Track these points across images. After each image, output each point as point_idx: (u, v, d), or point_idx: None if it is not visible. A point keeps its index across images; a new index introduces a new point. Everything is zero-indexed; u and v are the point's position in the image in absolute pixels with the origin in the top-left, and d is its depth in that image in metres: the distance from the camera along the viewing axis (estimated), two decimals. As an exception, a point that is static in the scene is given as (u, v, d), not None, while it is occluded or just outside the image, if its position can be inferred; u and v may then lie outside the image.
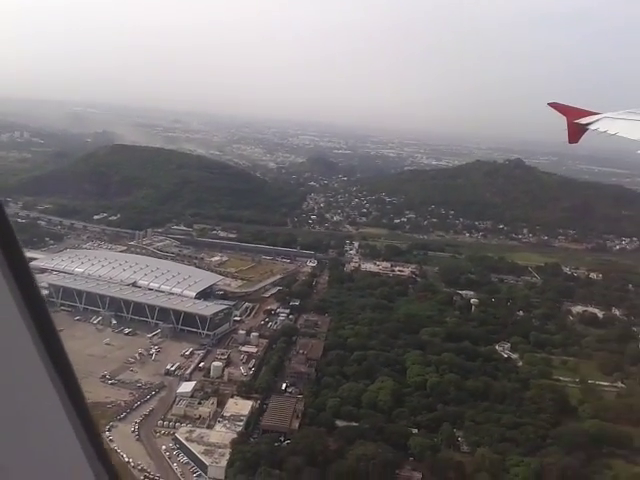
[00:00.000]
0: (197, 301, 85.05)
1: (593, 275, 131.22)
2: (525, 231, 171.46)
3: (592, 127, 17.45)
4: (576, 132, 18.58)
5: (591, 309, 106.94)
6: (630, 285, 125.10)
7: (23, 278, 2.27)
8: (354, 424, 58.83)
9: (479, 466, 53.60)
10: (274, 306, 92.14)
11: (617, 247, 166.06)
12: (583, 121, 18.13)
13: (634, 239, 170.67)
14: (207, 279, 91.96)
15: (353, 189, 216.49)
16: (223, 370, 70.53)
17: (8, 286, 2.19)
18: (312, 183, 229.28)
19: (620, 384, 76.31)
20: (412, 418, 61.81)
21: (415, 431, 59.35)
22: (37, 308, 2.33)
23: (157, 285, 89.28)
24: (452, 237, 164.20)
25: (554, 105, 19.44)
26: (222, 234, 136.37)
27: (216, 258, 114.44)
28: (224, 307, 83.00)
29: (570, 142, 18.97)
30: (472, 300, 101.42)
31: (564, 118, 18.86)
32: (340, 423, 59.25)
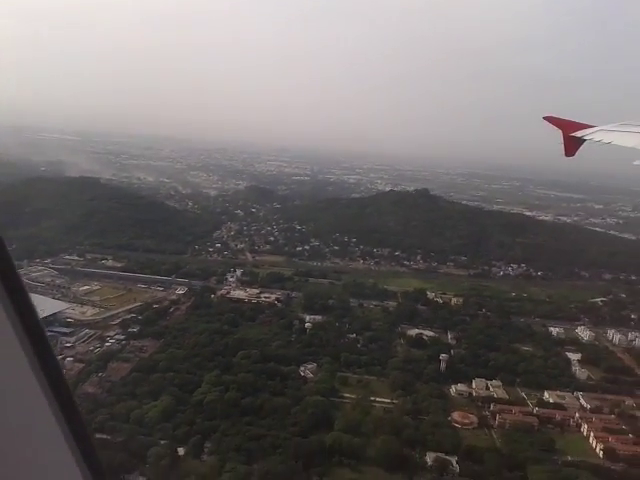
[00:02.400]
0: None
1: (455, 300, 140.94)
2: (418, 258, 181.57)
3: (588, 138, 17.64)
4: (572, 145, 18.75)
5: (426, 332, 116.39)
6: (483, 309, 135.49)
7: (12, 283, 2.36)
8: (106, 437, 67.19)
9: (199, 471, 62.39)
10: (112, 332, 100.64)
11: (501, 273, 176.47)
12: (578, 134, 18.29)
13: (522, 266, 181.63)
14: (50, 308, 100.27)
15: (274, 217, 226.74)
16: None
17: None
18: (238, 211, 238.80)
19: (395, 401, 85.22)
20: (172, 432, 70.34)
21: (163, 442, 67.84)
22: (21, 306, 2.41)
23: None
24: (346, 264, 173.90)
25: (549, 119, 19.57)
26: (110, 263, 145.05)
27: (86, 287, 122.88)
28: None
29: (567, 155, 19.04)
30: (306, 324, 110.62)
31: (559, 132, 19.09)
32: (98, 435, 67.64)
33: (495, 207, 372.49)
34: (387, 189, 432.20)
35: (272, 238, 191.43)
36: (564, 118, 19.31)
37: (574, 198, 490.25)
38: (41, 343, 2.42)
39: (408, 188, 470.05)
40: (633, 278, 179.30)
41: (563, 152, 18.95)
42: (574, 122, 18.99)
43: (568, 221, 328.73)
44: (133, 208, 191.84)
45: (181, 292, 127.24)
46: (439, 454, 70.48)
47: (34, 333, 2.40)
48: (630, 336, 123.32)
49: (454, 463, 69.10)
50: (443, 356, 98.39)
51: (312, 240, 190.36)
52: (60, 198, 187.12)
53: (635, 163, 12.77)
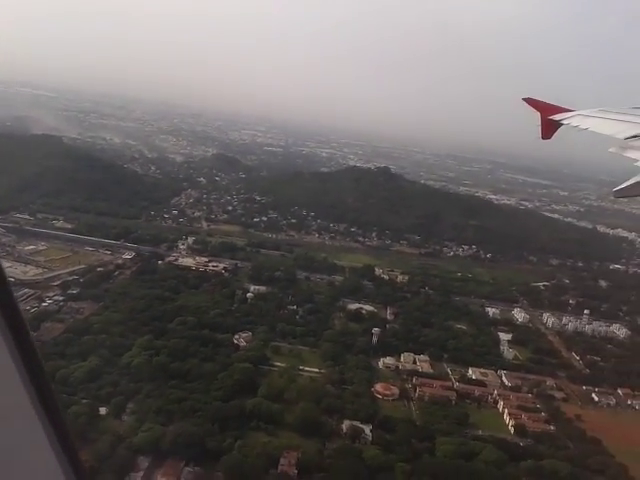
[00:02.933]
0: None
1: (400, 277, 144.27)
2: (373, 235, 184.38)
3: (565, 122, 17.41)
4: (549, 128, 18.48)
5: (366, 307, 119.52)
6: (426, 287, 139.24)
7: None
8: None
9: (115, 429, 64.39)
10: (51, 293, 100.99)
11: (451, 253, 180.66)
12: (557, 117, 18.03)
13: (472, 247, 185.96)
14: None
15: (236, 187, 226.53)
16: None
17: None
18: (201, 179, 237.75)
19: (323, 371, 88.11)
20: (95, 392, 71.89)
21: (85, 402, 69.41)
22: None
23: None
24: (301, 237, 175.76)
25: (528, 100, 19.23)
26: (60, 224, 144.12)
27: (31, 247, 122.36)
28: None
29: (543, 138, 18.75)
30: (248, 294, 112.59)
31: (537, 114, 18.77)
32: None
33: (461, 189, 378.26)
34: (359, 164, 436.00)
35: (230, 208, 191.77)
36: (543, 100, 19.05)
37: (541, 184, 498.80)
38: (24, 342, 2.54)
39: (379, 165, 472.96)
40: (579, 265, 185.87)
41: (540, 135, 18.76)
42: (553, 105, 18.83)
43: (530, 206, 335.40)
44: (91, 169, 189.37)
45: (128, 257, 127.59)
46: (354, 422, 73.63)
47: (16, 330, 2.48)
48: (564, 320, 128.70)
49: (367, 431, 72.30)
50: (375, 330, 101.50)
51: (270, 212, 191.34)
52: (18, 155, 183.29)
53: (610, 150, 12.73)
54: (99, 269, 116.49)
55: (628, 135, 12.40)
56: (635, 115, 14.61)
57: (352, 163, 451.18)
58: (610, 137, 13.47)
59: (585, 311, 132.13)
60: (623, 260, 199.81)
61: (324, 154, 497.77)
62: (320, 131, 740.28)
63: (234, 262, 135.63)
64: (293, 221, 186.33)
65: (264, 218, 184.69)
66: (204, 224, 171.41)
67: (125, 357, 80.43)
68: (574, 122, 16.54)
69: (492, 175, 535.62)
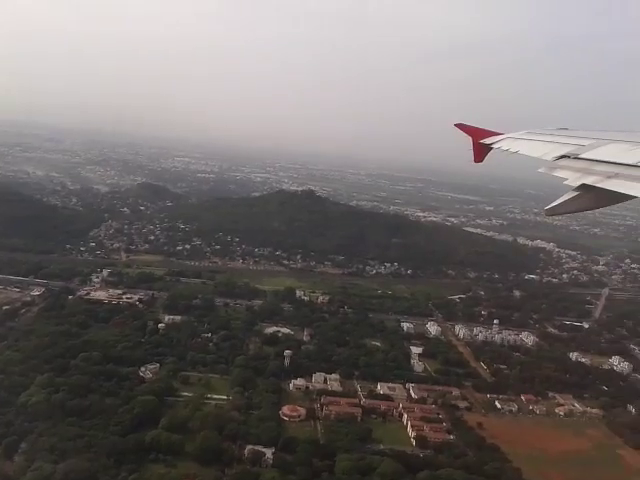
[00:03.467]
0: None
1: (321, 298, 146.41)
2: (298, 257, 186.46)
3: (496, 146, 17.80)
4: (481, 152, 19.01)
5: (284, 329, 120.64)
6: (345, 307, 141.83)
7: None
8: None
9: (4, 471, 62.56)
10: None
11: (374, 272, 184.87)
12: (487, 141, 18.51)
13: (394, 264, 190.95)
14: None
15: (161, 215, 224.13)
16: None
17: None
18: (124, 209, 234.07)
19: (231, 397, 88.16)
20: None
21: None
22: None
23: None
24: (225, 263, 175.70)
25: (460, 126, 19.77)
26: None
27: None
28: None
29: (476, 161, 19.32)
30: (160, 325, 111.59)
31: (469, 138, 19.27)
32: None
33: (392, 208, 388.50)
34: (292, 188, 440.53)
35: (152, 237, 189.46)
36: (473, 126, 19.59)
37: (469, 200, 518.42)
38: None
39: (312, 187, 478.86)
40: (495, 277, 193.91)
41: (473, 158, 19.26)
42: (483, 129, 19.32)
43: (455, 222, 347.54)
44: (7, 204, 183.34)
45: (37, 293, 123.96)
46: (257, 447, 74.08)
47: None
48: (475, 331, 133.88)
49: (269, 455, 72.86)
50: (287, 352, 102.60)
51: (194, 239, 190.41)
52: None
53: (540, 170, 12.86)
54: (5, 307, 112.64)
55: (556, 156, 12.90)
56: (560, 136, 15.31)
57: (286, 187, 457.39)
58: (538, 158, 13.86)
59: (495, 321, 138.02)
60: (538, 270, 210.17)
61: (258, 178, 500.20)
62: (257, 155, 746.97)
63: (150, 292, 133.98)
64: (217, 247, 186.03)
65: (187, 246, 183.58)
66: (123, 255, 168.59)
67: (22, 396, 78.11)
68: (504, 145, 17.11)
69: (422, 193, 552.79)
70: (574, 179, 10.39)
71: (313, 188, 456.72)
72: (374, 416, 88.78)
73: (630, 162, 9.89)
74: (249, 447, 74.26)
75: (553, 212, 9.88)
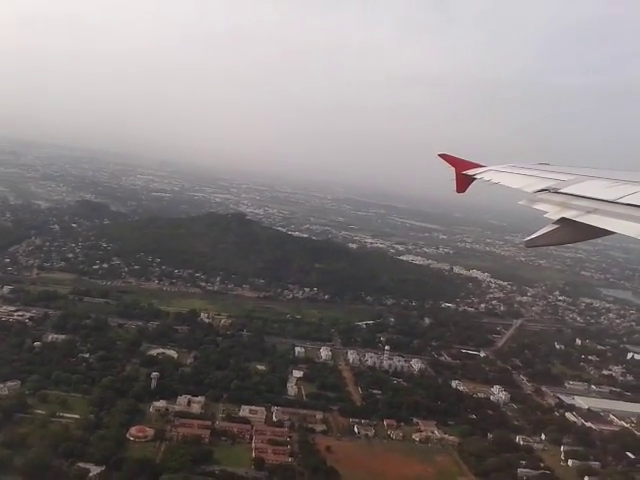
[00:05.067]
0: None
1: (224, 321, 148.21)
2: (217, 280, 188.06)
3: (478, 177, 18.09)
4: (463, 182, 19.40)
5: (169, 352, 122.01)
6: (245, 330, 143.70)
7: None
8: None
9: None
10: None
11: (291, 296, 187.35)
12: (470, 172, 18.87)
13: (314, 289, 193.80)
14: None
15: (89, 233, 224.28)
16: None
17: None
18: (54, 226, 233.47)
19: (81, 417, 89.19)
20: None
21: None
22: None
23: None
24: (139, 284, 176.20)
25: (443, 156, 20.23)
26: None
27: None
28: None
29: (458, 192, 19.70)
30: (36, 343, 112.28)
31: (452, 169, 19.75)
32: None
33: (342, 233, 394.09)
34: (247, 209, 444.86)
35: (71, 255, 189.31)
36: (457, 157, 19.90)
37: (427, 228, 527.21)
38: None
39: (270, 210, 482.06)
40: (412, 304, 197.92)
41: (455, 188, 19.57)
42: (466, 161, 19.61)
43: (401, 249, 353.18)
44: None
45: None
46: (87, 464, 75.29)
47: None
48: (367, 357, 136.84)
49: (95, 472, 74.11)
50: (154, 374, 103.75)
51: (114, 259, 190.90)
52: None
53: (520, 202, 13.01)
54: None
55: (537, 189, 13.11)
56: (542, 170, 15.74)
57: (243, 208, 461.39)
58: (519, 190, 14.18)
59: (386, 347, 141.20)
60: (458, 299, 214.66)
61: (217, 199, 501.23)
62: (226, 176, 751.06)
63: (45, 311, 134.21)
64: (136, 267, 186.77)
65: (105, 265, 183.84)
66: (34, 272, 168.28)
67: None
68: (486, 177, 17.46)
69: (382, 220, 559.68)
70: (554, 212, 10.67)
71: (271, 211, 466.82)
72: (224, 438, 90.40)
73: (609, 198, 10.06)
74: (81, 464, 75.50)
75: (533, 244, 10.05)
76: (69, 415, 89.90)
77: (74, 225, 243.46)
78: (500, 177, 16.64)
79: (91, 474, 73.97)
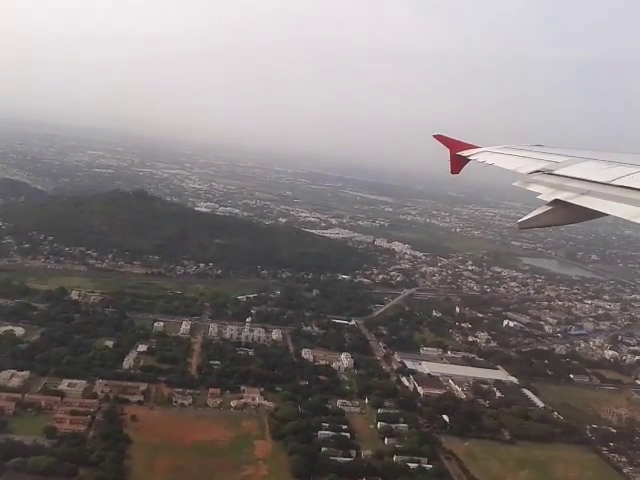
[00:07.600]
0: None
1: (93, 298, 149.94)
2: (109, 257, 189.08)
3: (472, 158, 18.15)
4: (458, 163, 19.44)
5: (16, 328, 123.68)
6: (111, 307, 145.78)
7: None
8: None
9: None
10: None
11: (182, 272, 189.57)
12: (464, 153, 18.83)
13: (208, 264, 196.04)
14: None
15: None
16: None
17: None
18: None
19: None
20: None
21: None
22: None
23: None
24: (25, 262, 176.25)
25: (438, 137, 20.24)
26: None
27: None
28: None
29: (452, 173, 19.77)
30: None
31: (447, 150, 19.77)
32: None
33: (281, 206, 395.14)
34: (199, 186, 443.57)
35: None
36: (452, 138, 19.95)
37: (377, 200, 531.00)
38: None
39: (215, 185, 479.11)
40: (308, 276, 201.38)
41: (450, 169, 19.69)
42: (461, 142, 19.59)
43: (334, 222, 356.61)
44: None
45: None
46: None
47: None
48: (227, 329, 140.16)
49: None
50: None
51: (6, 237, 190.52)
52: None
53: (514, 184, 12.94)
54: None
55: (530, 170, 13.14)
56: (536, 152, 15.81)
57: (188, 184, 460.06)
58: (513, 172, 14.04)
59: (247, 319, 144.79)
60: (358, 271, 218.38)
61: (164, 175, 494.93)
62: (185, 151, 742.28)
63: None
64: (26, 246, 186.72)
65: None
66: None
67: None
68: (481, 158, 17.55)
69: (333, 193, 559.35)
70: (548, 194, 10.68)
71: (217, 186, 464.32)
72: (30, 410, 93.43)
73: (603, 180, 10.10)
74: None
75: (526, 225, 10.13)
76: None
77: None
78: (494, 158, 16.86)
79: None
